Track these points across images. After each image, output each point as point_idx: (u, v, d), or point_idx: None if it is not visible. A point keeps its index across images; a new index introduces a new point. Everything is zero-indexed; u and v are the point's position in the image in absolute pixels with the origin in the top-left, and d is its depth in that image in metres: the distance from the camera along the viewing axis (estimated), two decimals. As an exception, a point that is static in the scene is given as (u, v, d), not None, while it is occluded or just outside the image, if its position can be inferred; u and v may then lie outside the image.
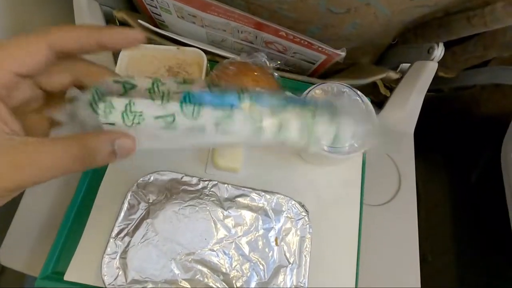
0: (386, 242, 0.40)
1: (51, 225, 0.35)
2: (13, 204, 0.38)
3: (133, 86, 0.25)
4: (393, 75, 0.44)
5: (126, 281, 0.30)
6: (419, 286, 0.38)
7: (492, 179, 0.61)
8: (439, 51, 0.40)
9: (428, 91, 0.47)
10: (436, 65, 0.42)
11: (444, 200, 0.65)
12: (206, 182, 0.35)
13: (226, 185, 0.35)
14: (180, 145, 0.25)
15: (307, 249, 0.34)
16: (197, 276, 0.31)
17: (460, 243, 0.60)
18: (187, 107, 0.24)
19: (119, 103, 0.24)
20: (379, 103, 0.51)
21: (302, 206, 0.36)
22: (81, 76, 0.24)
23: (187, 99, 0.24)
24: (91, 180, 0.37)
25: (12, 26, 0.47)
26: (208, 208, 0.34)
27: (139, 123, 0.24)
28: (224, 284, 0.31)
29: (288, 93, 0.30)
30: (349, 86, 0.38)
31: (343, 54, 0.37)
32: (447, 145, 0.68)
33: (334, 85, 0.38)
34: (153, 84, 0.25)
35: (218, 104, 0.24)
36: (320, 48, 0.37)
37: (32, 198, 0.38)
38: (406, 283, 0.38)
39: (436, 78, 0.47)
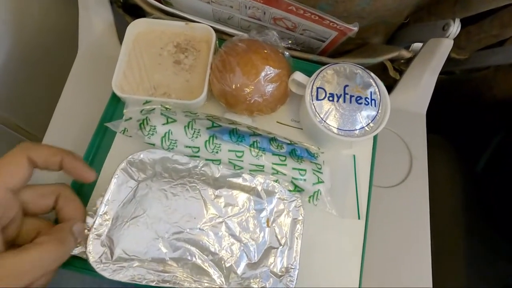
0: (397, 224, 0.39)
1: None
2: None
3: (174, 120, 0.35)
4: (405, 53, 0.43)
5: (111, 258, 0.30)
6: (430, 268, 0.37)
7: (501, 164, 0.60)
8: (455, 28, 0.39)
9: (439, 73, 0.46)
10: (452, 42, 0.40)
11: (451, 186, 0.64)
12: (197, 161, 0.34)
13: (217, 165, 0.35)
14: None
15: (298, 231, 0.33)
16: (185, 256, 0.31)
17: (465, 224, 0.59)
18: (209, 145, 0.34)
19: (161, 129, 0.34)
20: (388, 86, 0.49)
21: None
22: (63, 205, 0.30)
23: (212, 138, 0.35)
24: (96, 152, 0.37)
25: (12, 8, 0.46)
26: (198, 187, 0.33)
27: (173, 148, 0.35)
28: (213, 264, 0.31)
29: (291, 146, 0.37)
30: (362, 67, 0.37)
31: (356, 29, 0.35)
32: (456, 129, 0.66)
33: (346, 66, 0.37)
34: (189, 122, 0.35)
35: (234, 143, 0.35)
36: (331, 24, 0.36)
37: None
38: (417, 265, 0.38)
39: (448, 60, 0.46)
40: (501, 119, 0.61)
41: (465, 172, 0.63)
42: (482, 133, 0.63)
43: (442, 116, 0.60)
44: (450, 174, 0.63)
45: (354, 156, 0.38)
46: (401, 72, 0.50)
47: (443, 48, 0.40)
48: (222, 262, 0.31)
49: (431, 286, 0.36)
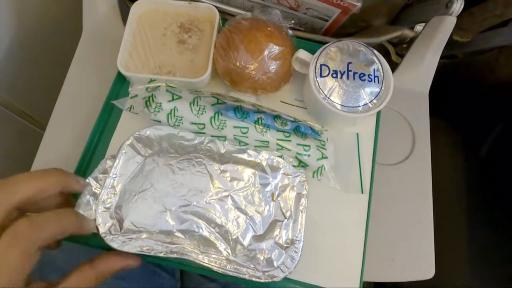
0: (400, 201, 0.40)
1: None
2: (30, 157, 0.39)
3: (180, 97, 0.35)
4: (409, 33, 0.43)
5: (120, 230, 0.30)
6: (433, 244, 0.38)
7: (504, 148, 0.60)
8: (458, 5, 0.38)
9: (441, 57, 0.46)
10: (455, 20, 0.40)
11: (453, 169, 0.64)
12: (203, 137, 0.35)
13: (222, 141, 0.35)
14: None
15: (303, 204, 0.33)
16: (192, 228, 0.31)
17: (467, 207, 0.60)
18: (215, 122, 0.35)
19: (167, 106, 0.35)
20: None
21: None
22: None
23: (217, 114, 0.35)
24: (103, 130, 0.37)
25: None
26: (204, 162, 0.34)
27: (179, 125, 0.35)
28: (220, 236, 0.31)
29: (295, 124, 0.37)
30: (365, 45, 0.37)
31: (359, 4, 0.35)
32: (460, 113, 0.66)
33: (350, 43, 0.37)
34: (194, 99, 0.35)
35: (239, 120, 0.35)
36: (335, 0, 0.36)
37: (48, 151, 0.39)
38: (420, 243, 0.38)
39: (450, 43, 0.45)
40: (504, 103, 0.61)
41: (468, 156, 0.64)
42: (485, 117, 0.63)
43: (445, 100, 0.60)
44: (453, 157, 0.63)
45: (357, 134, 0.38)
46: (403, 57, 0.50)
47: (446, 25, 0.40)
48: (229, 234, 0.31)
49: (433, 261, 0.37)
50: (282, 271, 0.31)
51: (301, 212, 0.33)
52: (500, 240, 0.55)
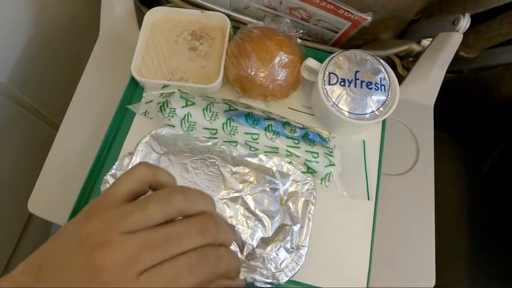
0: (401, 211, 0.40)
1: (79, 175, 0.36)
2: (42, 155, 0.40)
3: (193, 103, 0.37)
4: (416, 47, 0.44)
5: None
6: (434, 254, 0.38)
7: (508, 165, 0.60)
8: (465, 22, 0.40)
9: (447, 72, 0.47)
10: (461, 36, 0.41)
11: (456, 184, 0.64)
12: (216, 140, 0.36)
13: (234, 146, 0.36)
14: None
15: (311, 212, 0.34)
16: None
17: (469, 222, 0.60)
18: (227, 128, 0.36)
19: (181, 112, 0.36)
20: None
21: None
22: None
23: (229, 121, 0.36)
24: (116, 132, 0.38)
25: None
26: (217, 163, 0.35)
27: (192, 130, 0.36)
28: None
29: (304, 131, 0.38)
30: (372, 54, 0.38)
31: (369, 18, 0.37)
32: (464, 128, 0.67)
33: (357, 53, 0.38)
34: (207, 105, 0.37)
35: (250, 126, 0.36)
36: (346, 13, 0.37)
37: (61, 149, 0.40)
38: (421, 253, 0.38)
39: (457, 59, 0.46)
40: (509, 119, 0.61)
41: (470, 171, 0.64)
42: (489, 133, 0.64)
43: (450, 115, 0.60)
44: (456, 172, 0.64)
45: (363, 141, 0.39)
46: (409, 70, 0.52)
47: (453, 41, 0.42)
48: (238, 234, 0.32)
49: (434, 271, 0.37)
50: (285, 274, 0.31)
51: (308, 219, 0.34)
52: (500, 255, 0.55)
